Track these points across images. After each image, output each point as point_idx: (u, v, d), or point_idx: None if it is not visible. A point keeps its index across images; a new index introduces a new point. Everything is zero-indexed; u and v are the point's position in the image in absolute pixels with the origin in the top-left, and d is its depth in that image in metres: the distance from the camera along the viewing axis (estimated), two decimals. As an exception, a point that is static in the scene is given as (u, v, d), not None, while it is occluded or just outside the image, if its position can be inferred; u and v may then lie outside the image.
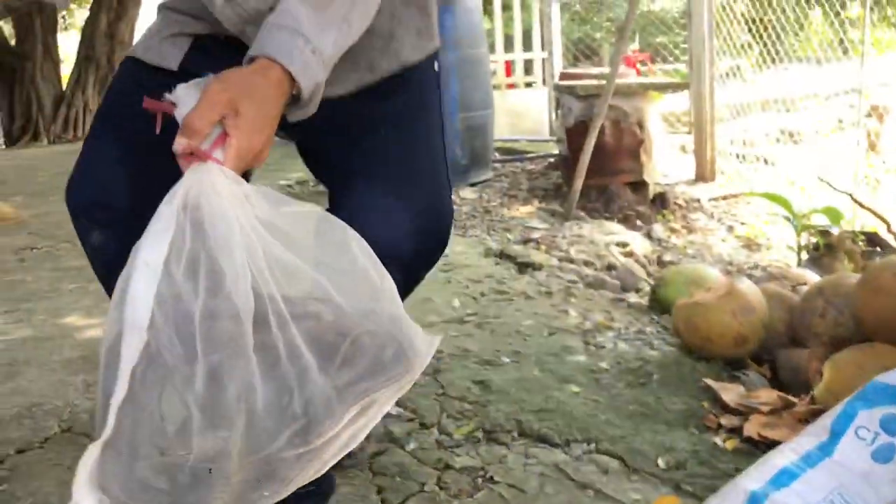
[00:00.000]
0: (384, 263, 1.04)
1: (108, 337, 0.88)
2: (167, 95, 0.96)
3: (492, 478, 1.52)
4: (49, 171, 5.84)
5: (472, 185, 4.87)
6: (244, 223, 0.87)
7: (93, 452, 0.82)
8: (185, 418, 0.84)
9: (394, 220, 1.25)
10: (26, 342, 2.43)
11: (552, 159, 5.36)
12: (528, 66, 7.39)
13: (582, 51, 8.19)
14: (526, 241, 3.56)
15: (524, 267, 3.08)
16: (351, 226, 1.04)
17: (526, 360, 2.05)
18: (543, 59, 7.05)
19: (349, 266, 0.96)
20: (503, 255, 3.26)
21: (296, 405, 0.87)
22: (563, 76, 4.86)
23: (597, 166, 4.16)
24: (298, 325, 0.88)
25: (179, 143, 0.92)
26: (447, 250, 3.14)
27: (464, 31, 4.76)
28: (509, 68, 7.66)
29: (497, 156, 5.56)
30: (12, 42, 10.35)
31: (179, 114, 0.93)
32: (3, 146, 11.37)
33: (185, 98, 0.94)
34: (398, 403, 1.85)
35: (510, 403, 1.81)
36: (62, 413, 1.90)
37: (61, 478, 1.58)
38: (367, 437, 1.04)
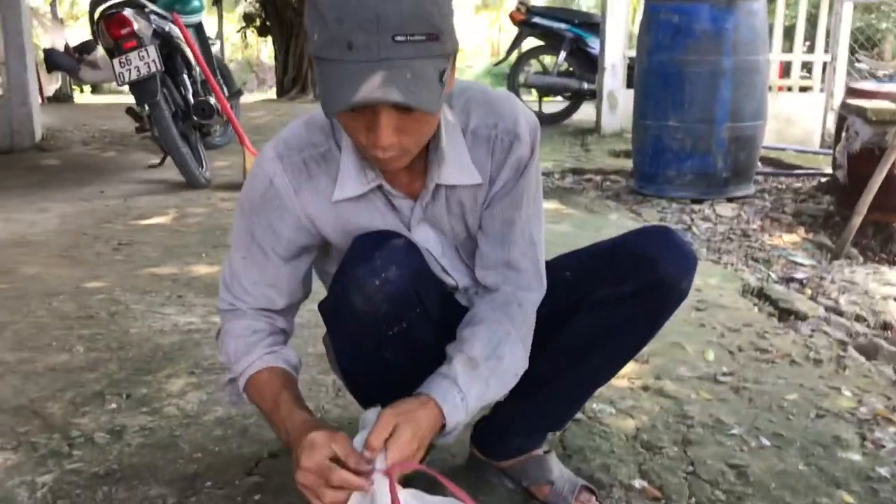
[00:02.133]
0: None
1: None
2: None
3: None
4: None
5: (731, 199, 4.56)
6: None
7: None
8: None
9: None
10: (285, 326, 2.57)
11: (823, 179, 4.89)
12: (804, 65, 6.77)
13: (861, 42, 7.38)
14: (789, 281, 3.26)
15: (786, 314, 2.81)
16: None
17: (789, 447, 1.85)
18: (825, 63, 6.41)
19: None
20: (762, 296, 3.00)
21: None
22: (852, 92, 4.37)
23: (880, 201, 3.71)
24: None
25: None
26: (698, 283, 2.95)
27: (744, 34, 4.41)
28: (782, 69, 7.08)
29: (760, 167, 5.16)
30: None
31: (366, 419, 1.27)
32: (275, 96, 12.30)
33: (369, 419, 1.27)
34: (641, 475, 1.74)
35: (769, 502, 1.64)
36: (313, 418, 1.97)
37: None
38: None
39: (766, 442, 1.88)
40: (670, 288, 1.45)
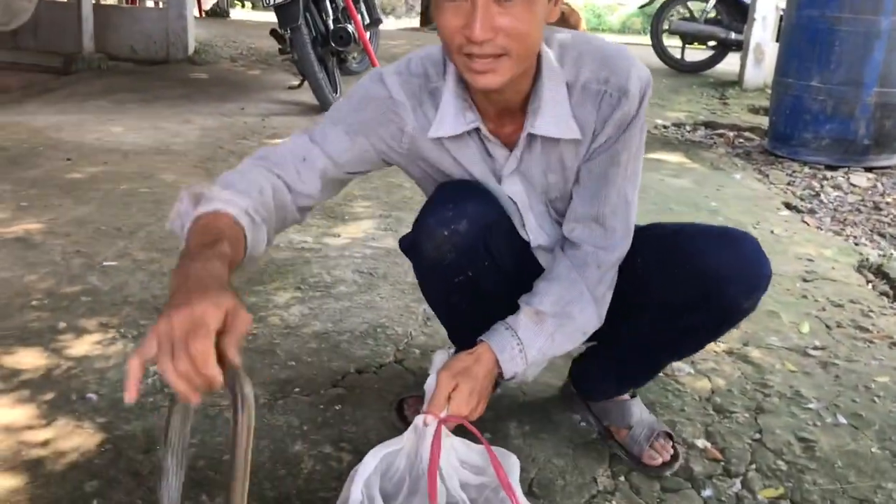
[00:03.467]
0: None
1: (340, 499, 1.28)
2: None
3: (784, 565, 1.41)
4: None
5: (869, 169, 4.33)
6: (449, 461, 1.29)
7: None
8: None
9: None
10: (389, 254, 2.70)
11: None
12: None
13: None
14: (914, 260, 3.11)
15: (901, 295, 2.70)
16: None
17: (866, 429, 1.83)
18: None
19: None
20: (879, 273, 2.89)
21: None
22: None
23: None
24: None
25: (422, 415, 1.29)
26: (811, 252, 2.87)
27: (908, -7, 4.11)
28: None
29: (909, 137, 4.85)
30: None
31: (430, 382, 1.34)
32: (418, 25, 12.37)
33: (437, 362, 1.39)
34: (707, 436, 1.77)
35: (832, 479, 1.64)
36: (400, 342, 2.10)
37: (381, 413, 1.76)
38: None
39: (842, 420, 1.86)
40: (730, 310, 1.46)
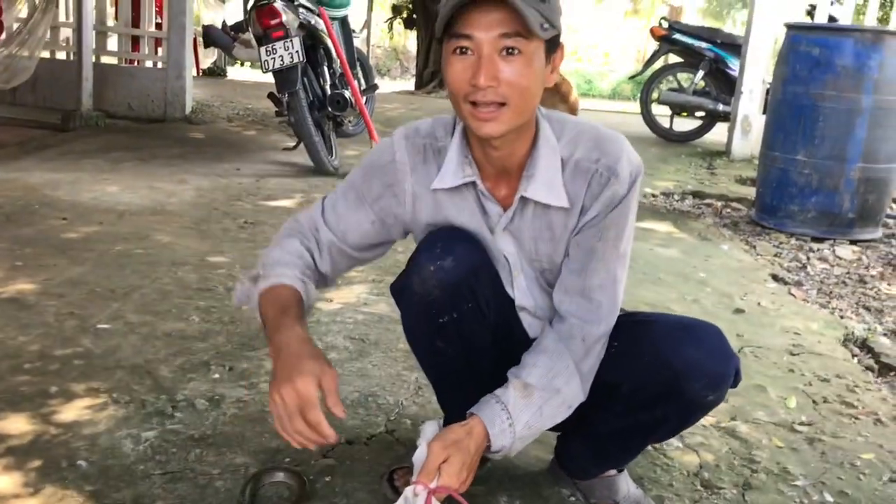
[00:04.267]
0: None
1: None
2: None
3: None
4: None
5: (854, 241, 4.40)
6: None
7: None
8: None
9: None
10: (381, 320, 2.73)
11: (961, 230, 4.64)
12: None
13: None
14: (898, 335, 3.15)
15: (886, 369, 2.74)
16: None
17: (852, 508, 1.84)
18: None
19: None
20: (864, 347, 2.93)
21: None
22: None
23: None
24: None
25: (412, 485, 1.35)
26: (798, 326, 2.91)
27: (890, 73, 4.25)
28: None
29: (892, 210, 4.95)
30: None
31: (420, 453, 1.38)
32: (413, 88, 12.60)
33: (427, 433, 1.42)
34: (695, 513, 1.78)
35: (818, 559, 1.65)
36: (391, 412, 2.10)
37: (372, 486, 1.76)
38: None
39: (828, 498, 1.87)
40: (696, 404, 1.51)
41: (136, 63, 7.48)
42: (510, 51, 1.31)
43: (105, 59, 7.34)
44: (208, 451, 1.85)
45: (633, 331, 1.55)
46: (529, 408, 1.44)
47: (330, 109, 5.17)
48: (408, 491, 1.32)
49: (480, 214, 1.52)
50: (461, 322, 1.51)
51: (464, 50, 1.32)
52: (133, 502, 1.64)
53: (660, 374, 1.47)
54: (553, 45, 1.37)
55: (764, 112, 6.07)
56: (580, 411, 1.54)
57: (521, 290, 1.58)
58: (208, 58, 11.73)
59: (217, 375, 2.24)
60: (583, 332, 1.49)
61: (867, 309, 3.43)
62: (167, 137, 6.15)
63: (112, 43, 7.53)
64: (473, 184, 1.49)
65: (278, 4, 4.75)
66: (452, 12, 1.29)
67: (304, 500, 1.67)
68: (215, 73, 11.85)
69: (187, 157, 5.41)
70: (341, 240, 1.55)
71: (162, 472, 1.76)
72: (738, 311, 3.15)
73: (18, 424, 1.91)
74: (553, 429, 1.78)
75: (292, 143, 5.79)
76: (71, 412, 1.98)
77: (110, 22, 7.46)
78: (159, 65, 7.20)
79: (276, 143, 6.13)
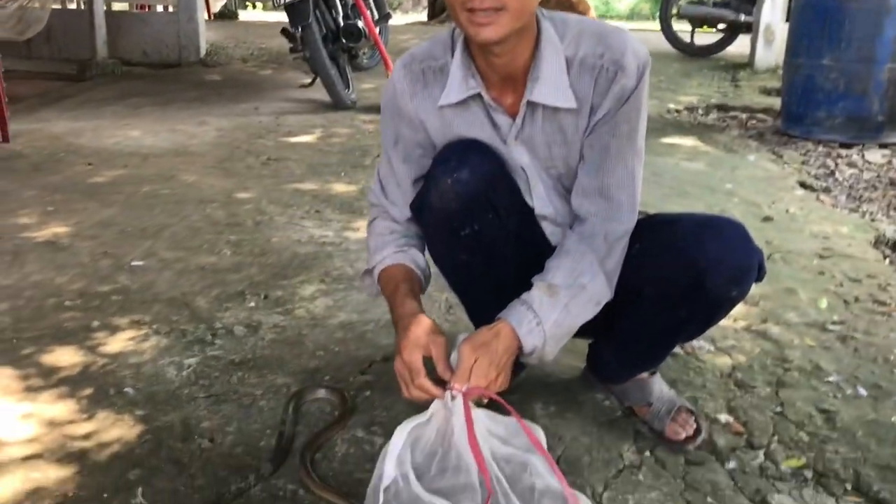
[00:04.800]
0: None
1: (374, 476, 1.34)
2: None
3: (809, 532, 1.44)
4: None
5: (884, 145, 4.33)
6: (478, 430, 1.34)
7: None
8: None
9: None
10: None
11: None
12: None
13: None
14: (929, 235, 3.13)
15: (918, 269, 2.72)
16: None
17: (886, 399, 1.86)
18: None
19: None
20: (896, 248, 2.91)
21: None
22: None
23: None
24: (514, 488, 1.32)
25: (450, 388, 1.36)
26: (827, 230, 2.90)
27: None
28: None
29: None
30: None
31: (453, 360, 1.38)
32: (426, 18, 12.41)
33: (459, 342, 1.40)
34: (729, 411, 1.81)
35: (853, 448, 1.68)
36: (424, 330, 2.14)
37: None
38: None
39: (862, 392, 1.89)
40: (720, 299, 1.50)
41: (146, 9, 7.42)
42: None
43: (116, 6, 7.29)
44: (249, 374, 1.90)
45: (654, 232, 1.55)
46: (556, 306, 1.44)
47: (344, 41, 5.12)
48: (447, 395, 1.35)
49: (491, 127, 1.51)
50: (482, 233, 1.52)
51: None
52: (181, 423, 1.70)
53: (684, 273, 1.47)
54: None
55: (787, 20, 5.93)
56: (608, 317, 1.55)
57: (540, 199, 1.58)
58: (219, 0, 11.61)
59: (252, 304, 2.28)
60: (604, 230, 1.48)
61: (897, 211, 3.39)
62: (184, 81, 6.14)
63: (122, -11, 7.48)
64: (480, 96, 1.48)
65: (287, -64, 4.68)
66: None
67: (348, 415, 1.72)
68: (227, 15, 11.74)
69: (205, 100, 5.40)
70: (406, 189, 1.58)
71: (206, 394, 1.81)
72: (767, 219, 3.14)
73: (66, 357, 1.97)
74: (583, 336, 1.80)
75: (308, 80, 5.77)
76: (115, 344, 2.04)
77: (118, -32, 7.40)
78: (170, 9, 7.14)
79: (293, 81, 6.10)
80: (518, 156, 1.53)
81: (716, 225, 1.50)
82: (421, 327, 1.40)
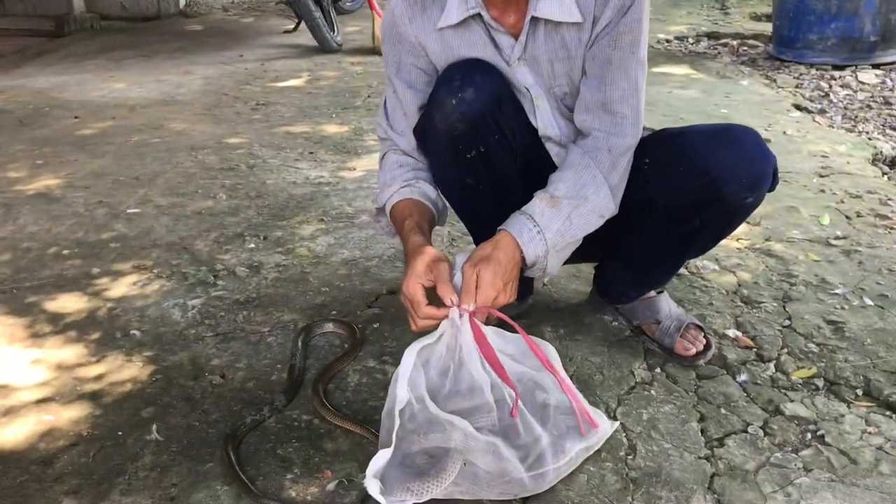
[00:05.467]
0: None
1: (388, 400, 1.32)
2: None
3: (822, 437, 1.45)
4: None
5: (877, 66, 4.29)
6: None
7: (379, 459, 1.22)
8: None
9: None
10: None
11: None
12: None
13: None
14: (926, 150, 3.11)
15: (917, 183, 2.72)
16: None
17: (892, 308, 1.86)
18: None
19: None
20: (894, 164, 2.90)
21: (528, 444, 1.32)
22: None
23: None
24: (527, 405, 1.35)
25: (454, 307, 1.33)
26: (825, 149, 2.90)
27: None
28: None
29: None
30: None
31: (457, 280, 1.35)
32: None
33: (459, 262, 1.38)
34: (737, 326, 1.81)
35: (862, 356, 1.68)
36: (428, 262, 2.12)
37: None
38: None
39: (868, 302, 1.89)
40: (735, 206, 1.47)
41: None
42: None
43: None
44: (255, 312, 1.89)
45: (664, 145, 1.53)
46: (558, 216, 1.41)
47: (327, -17, 5.01)
48: (451, 312, 1.33)
49: (493, 48, 1.48)
50: (488, 155, 1.49)
51: None
52: (190, 362, 1.69)
53: (697, 183, 1.44)
54: None
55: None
56: (616, 234, 1.53)
57: (545, 119, 1.55)
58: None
59: (252, 245, 2.26)
60: (608, 143, 1.45)
61: (894, 129, 3.37)
62: (165, 33, 6.02)
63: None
64: (480, 17, 1.44)
65: None
66: None
67: (358, 346, 1.72)
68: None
69: (189, 50, 5.30)
70: (413, 117, 1.54)
71: (213, 333, 1.80)
72: (764, 141, 3.11)
73: (70, 303, 1.95)
74: (591, 259, 1.79)
75: (291, 25, 5.66)
76: (117, 289, 2.02)
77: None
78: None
79: (276, 27, 5.98)
80: (521, 76, 1.50)
81: (729, 132, 1.47)
82: (422, 259, 1.36)
